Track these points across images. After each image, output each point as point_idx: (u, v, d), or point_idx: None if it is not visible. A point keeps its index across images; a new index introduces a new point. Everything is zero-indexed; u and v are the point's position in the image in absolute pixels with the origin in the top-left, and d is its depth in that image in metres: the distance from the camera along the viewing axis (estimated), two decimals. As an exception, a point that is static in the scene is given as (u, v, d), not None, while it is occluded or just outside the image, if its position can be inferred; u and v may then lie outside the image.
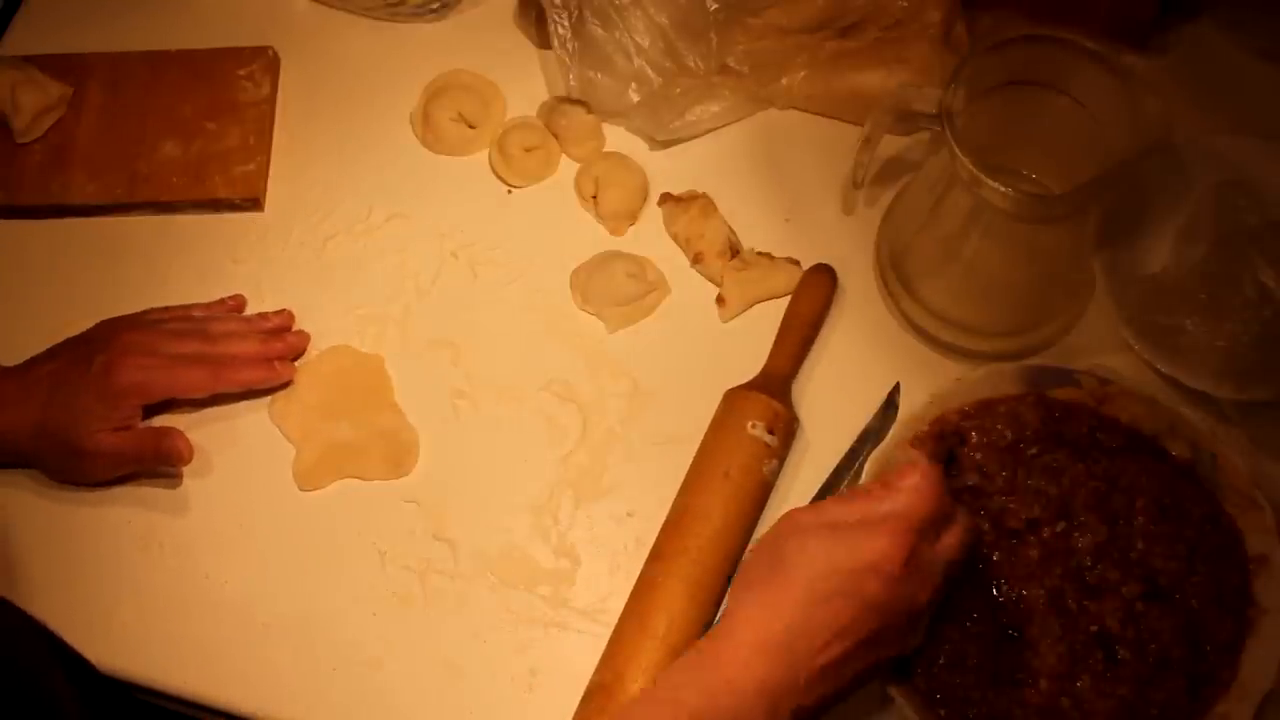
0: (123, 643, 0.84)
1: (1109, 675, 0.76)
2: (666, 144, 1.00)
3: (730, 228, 0.96)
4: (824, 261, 0.93)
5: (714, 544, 0.82)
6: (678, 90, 0.98)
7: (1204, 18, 1.01)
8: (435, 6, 1.06)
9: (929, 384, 0.86)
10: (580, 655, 0.82)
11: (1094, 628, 0.78)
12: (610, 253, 0.96)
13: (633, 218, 0.97)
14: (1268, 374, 0.86)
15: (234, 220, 0.99)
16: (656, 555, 0.83)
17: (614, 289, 0.94)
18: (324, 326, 0.94)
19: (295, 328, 0.93)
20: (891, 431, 0.85)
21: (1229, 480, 0.81)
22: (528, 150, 0.99)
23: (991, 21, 0.98)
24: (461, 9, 1.07)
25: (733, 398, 0.87)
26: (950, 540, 0.72)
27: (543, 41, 1.03)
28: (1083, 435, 0.83)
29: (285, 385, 0.91)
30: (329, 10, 1.07)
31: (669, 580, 0.81)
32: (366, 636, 0.84)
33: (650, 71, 0.98)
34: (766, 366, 0.90)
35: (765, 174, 0.98)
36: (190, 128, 1.00)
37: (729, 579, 0.82)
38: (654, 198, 0.98)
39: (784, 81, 0.99)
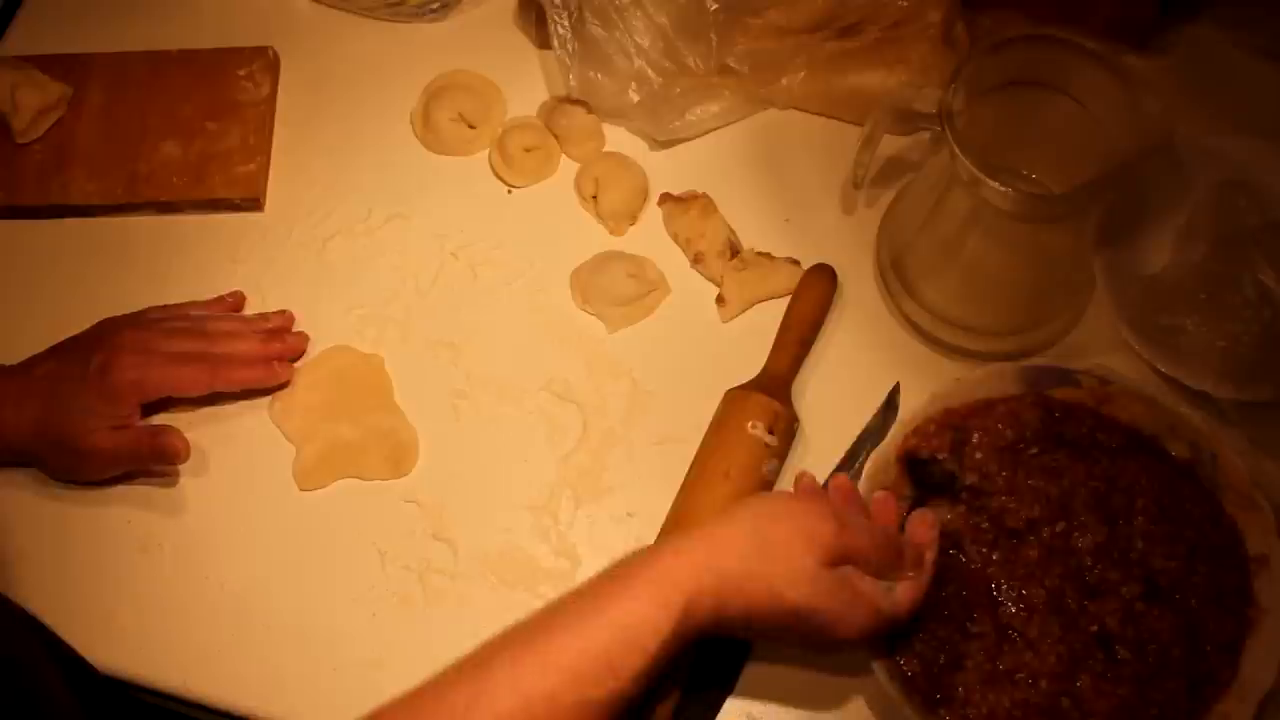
0: (122, 642, 0.84)
1: (1109, 675, 0.76)
2: (666, 144, 1.00)
3: (730, 228, 0.96)
4: (824, 261, 0.93)
5: (714, 544, 0.82)
6: (678, 90, 0.98)
7: (1204, 18, 1.01)
8: (435, 6, 1.06)
9: (929, 384, 0.86)
10: (580, 655, 0.81)
11: (1094, 628, 0.78)
12: (610, 253, 0.96)
13: (633, 218, 0.97)
14: (1268, 374, 0.86)
15: (234, 220, 0.99)
16: (656, 555, 0.83)
17: (614, 289, 0.94)
18: (324, 326, 0.94)
19: (295, 328, 0.93)
20: (891, 431, 0.85)
21: (1229, 480, 0.81)
22: (528, 150, 0.99)
23: (991, 21, 0.98)
24: (461, 9, 1.07)
25: (733, 398, 0.87)
26: (904, 596, 0.75)
27: (543, 41, 1.03)
28: (1083, 435, 0.83)
29: (283, 386, 0.91)
30: (329, 10, 1.07)
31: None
32: (366, 636, 0.84)
33: (650, 71, 0.98)
34: (766, 366, 0.90)
35: (765, 174, 0.98)
36: (190, 128, 1.01)
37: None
38: (654, 198, 0.98)
39: (784, 81, 0.99)
